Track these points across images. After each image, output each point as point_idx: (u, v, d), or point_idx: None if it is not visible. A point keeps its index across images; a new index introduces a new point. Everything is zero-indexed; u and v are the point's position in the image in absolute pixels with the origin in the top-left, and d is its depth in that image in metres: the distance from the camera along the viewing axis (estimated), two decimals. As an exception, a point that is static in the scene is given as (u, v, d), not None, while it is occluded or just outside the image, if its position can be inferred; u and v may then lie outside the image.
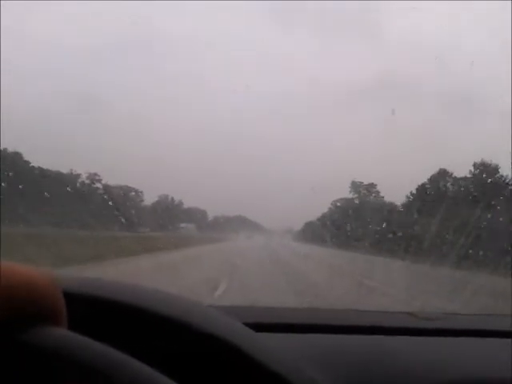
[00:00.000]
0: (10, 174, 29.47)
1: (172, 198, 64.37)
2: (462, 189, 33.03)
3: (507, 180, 31.34)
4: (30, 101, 55.30)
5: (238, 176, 66.96)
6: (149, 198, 57.21)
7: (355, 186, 53.90)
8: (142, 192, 55.88)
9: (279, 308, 2.35)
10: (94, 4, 62.81)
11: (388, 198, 45.26)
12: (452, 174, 36.49)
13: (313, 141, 69.07)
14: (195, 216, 62.71)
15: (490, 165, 33.49)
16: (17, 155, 37.52)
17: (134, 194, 56.04)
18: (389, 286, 11.83)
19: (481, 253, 16.67)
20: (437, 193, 33.10)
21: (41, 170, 35.93)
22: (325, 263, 22.32)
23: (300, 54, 67.41)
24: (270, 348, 0.71)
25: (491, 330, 1.37)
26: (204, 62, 73.84)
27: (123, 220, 29.06)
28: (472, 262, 16.26)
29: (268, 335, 1.09)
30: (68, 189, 28.23)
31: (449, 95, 63.67)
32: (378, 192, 52.70)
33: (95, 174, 46.08)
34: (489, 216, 19.25)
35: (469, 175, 34.32)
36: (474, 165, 34.13)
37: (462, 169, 34.68)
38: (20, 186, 26.06)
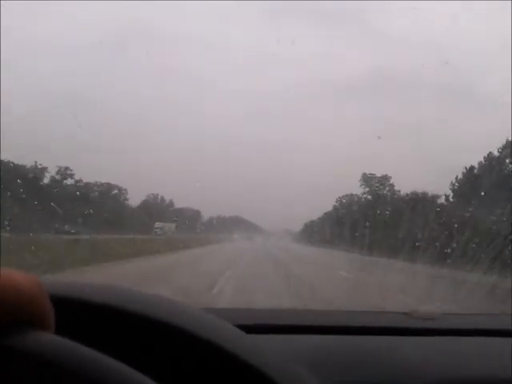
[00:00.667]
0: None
1: (162, 198, 59.16)
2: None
3: None
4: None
5: (235, 176, 63.43)
6: (138, 198, 53.93)
7: (366, 179, 47.68)
8: (126, 190, 50.35)
9: (272, 310, 2.58)
10: (94, 4, 60.48)
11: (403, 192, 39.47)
12: None
13: (311, 139, 67.87)
14: (188, 217, 56.82)
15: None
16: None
17: (116, 191, 50.29)
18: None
19: None
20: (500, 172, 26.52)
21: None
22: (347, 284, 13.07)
23: (300, 53, 64.69)
24: (262, 350, 0.69)
25: (488, 330, 1.40)
26: (199, 61, 70.80)
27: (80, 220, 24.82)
28: None
29: (260, 337, 1.12)
30: (19, 181, 22.81)
31: (449, 94, 62.86)
32: (392, 185, 46.49)
33: (66, 168, 40.51)
34: None
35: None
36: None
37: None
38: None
